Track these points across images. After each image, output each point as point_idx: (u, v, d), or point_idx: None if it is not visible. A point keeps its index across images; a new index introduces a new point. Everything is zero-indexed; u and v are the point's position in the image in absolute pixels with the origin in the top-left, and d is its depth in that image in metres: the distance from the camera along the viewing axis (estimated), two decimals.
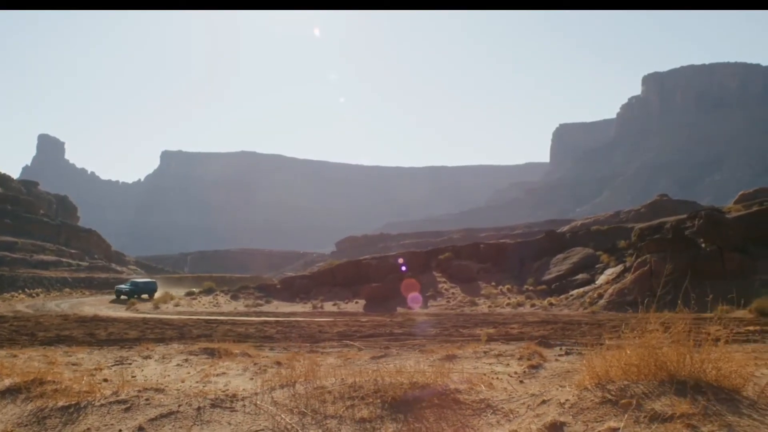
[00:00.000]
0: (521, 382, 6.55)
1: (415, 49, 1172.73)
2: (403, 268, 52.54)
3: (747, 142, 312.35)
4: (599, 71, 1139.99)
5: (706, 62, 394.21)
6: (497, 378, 6.92)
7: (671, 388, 5.24)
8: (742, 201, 53.38)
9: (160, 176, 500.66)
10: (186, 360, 9.13)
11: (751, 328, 16.16)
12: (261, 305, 46.39)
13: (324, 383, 5.75)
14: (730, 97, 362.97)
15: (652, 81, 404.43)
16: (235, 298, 49.43)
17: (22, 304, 47.07)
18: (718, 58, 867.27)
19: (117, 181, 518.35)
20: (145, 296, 53.52)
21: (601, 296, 36.09)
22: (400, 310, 41.81)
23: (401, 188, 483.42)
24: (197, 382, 6.63)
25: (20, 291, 67.71)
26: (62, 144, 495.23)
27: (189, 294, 52.28)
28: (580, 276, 43.57)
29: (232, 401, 5.62)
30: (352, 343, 14.42)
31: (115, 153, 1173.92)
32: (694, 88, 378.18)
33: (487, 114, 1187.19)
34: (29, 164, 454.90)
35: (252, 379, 5.76)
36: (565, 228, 75.08)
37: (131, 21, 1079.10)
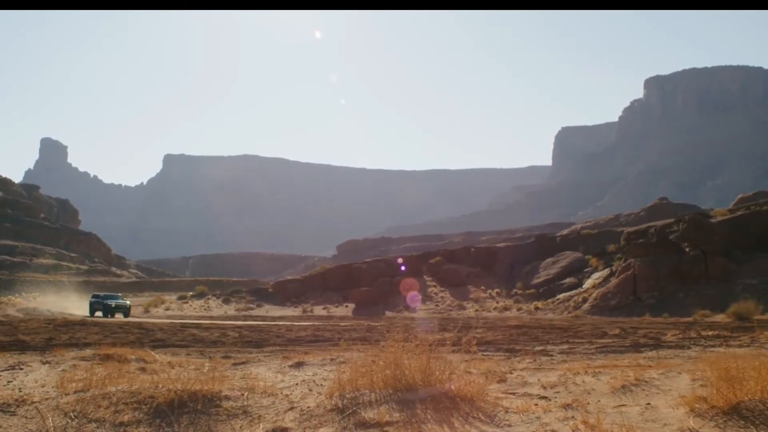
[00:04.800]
0: None
1: (416, 51, 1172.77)
2: (403, 268, 52.89)
3: (748, 145, 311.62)
4: (601, 74, 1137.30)
5: (708, 65, 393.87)
6: (322, 384, 7.22)
7: (399, 397, 5.56)
8: (741, 204, 53.36)
9: (163, 180, 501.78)
10: (74, 366, 9.46)
11: (710, 333, 16.31)
12: (252, 309, 46.58)
13: (110, 389, 6.10)
14: (732, 100, 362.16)
15: (654, 84, 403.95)
16: (226, 302, 49.56)
17: (14, 308, 47.36)
18: (719, 61, 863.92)
19: (119, 185, 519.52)
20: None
21: (585, 300, 36.23)
22: (388, 314, 41.91)
23: (403, 191, 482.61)
24: (52, 387, 7.01)
25: (17, 294, 68.10)
26: (65, 148, 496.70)
27: (181, 298, 52.44)
28: (567, 280, 43.77)
29: (18, 406, 5.95)
30: (294, 348, 14.69)
31: (117, 157, 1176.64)
32: (696, 91, 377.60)
33: (489, 117, 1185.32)
34: (32, 168, 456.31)
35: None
36: (565, 231, 75.02)
37: (133, 24, 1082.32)
